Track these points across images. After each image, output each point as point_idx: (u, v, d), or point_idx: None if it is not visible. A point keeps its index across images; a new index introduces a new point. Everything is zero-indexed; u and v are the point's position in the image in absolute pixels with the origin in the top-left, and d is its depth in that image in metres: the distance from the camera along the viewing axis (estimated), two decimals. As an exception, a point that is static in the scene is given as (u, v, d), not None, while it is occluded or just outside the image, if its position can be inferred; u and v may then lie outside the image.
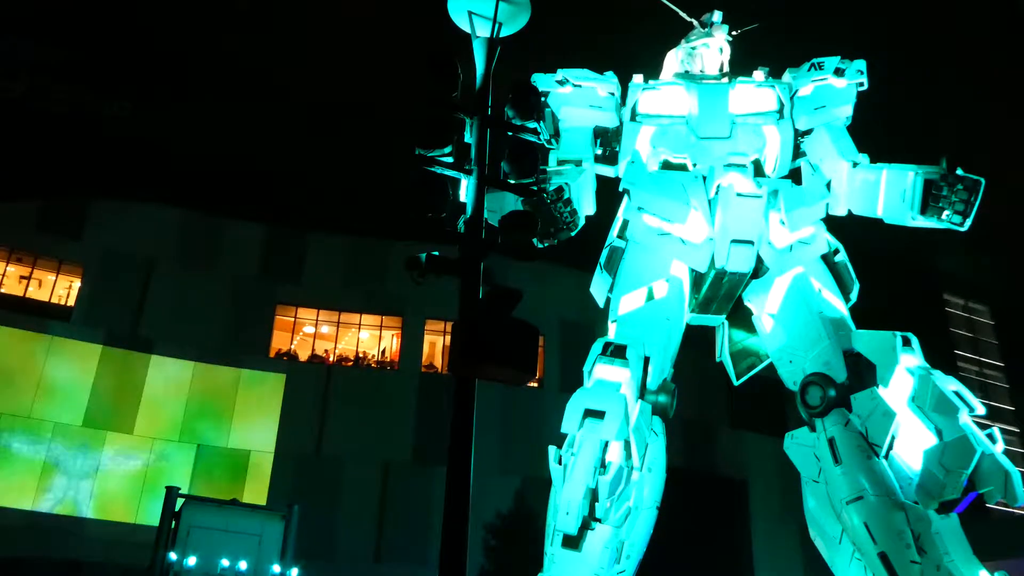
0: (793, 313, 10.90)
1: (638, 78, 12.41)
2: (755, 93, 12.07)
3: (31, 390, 35.60)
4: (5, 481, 33.91)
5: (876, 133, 12.55)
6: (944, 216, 10.81)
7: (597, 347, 10.18)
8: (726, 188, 10.85)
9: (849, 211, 11.79)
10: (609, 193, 12.19)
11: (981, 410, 9.43)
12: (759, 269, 11.05)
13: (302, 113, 46.04)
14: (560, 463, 9.44)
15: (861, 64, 12.00)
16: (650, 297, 10.98)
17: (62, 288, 39.19)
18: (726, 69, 12.68)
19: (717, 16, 12.80)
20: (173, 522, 21.05)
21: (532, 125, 9.52)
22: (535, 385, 39.81)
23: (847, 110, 12.03)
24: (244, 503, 29.39)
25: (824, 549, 10.26)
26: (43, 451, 35.05)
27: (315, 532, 30.71)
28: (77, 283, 38.92)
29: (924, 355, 10.09)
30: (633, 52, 13.57)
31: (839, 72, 11.94)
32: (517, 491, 35.05)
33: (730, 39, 12.79)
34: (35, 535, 32.34)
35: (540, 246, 11.41)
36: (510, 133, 9.40)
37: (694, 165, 11.72)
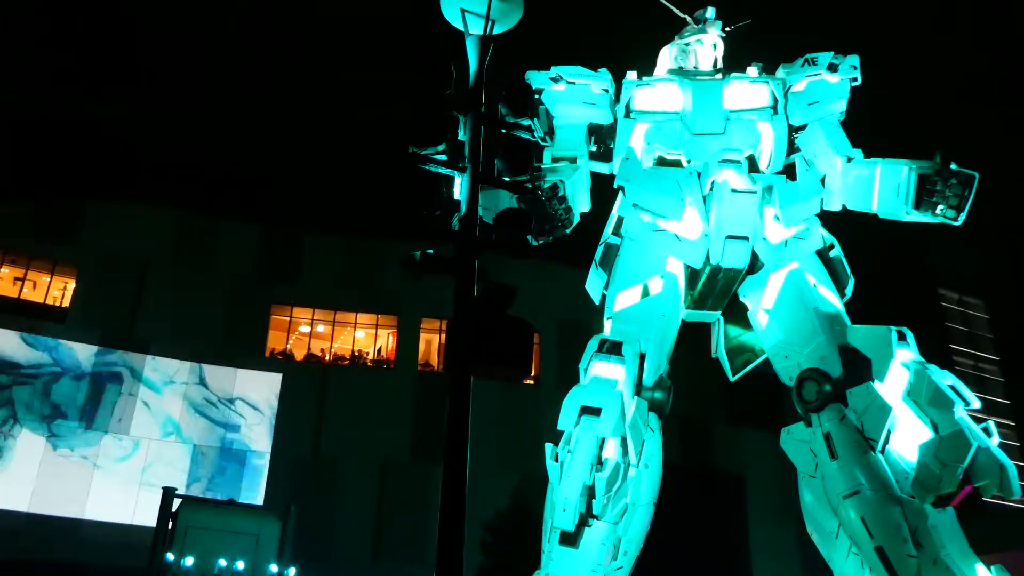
0: (788, 309, 10.91)
1: (632, 75, 12.39)
2: (749, 89, 12.06)
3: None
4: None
5: (870, 128, 12.56)
6: (938, 211, 10.83)
7: (593, 344, 10.19)
8: (721, 184, 10.85)
9: (843, 206, 11.81)
10: (604, 190, 12.19)
11: (976, 404, 9.45)
12: (754, 265, 11.05)
13: (297, 113, 45.98)
14: (557, 460, 9.45)
15: (854, 59, 12.00)
16: (645, 293, 10.99)
17: (56, 289, 39.11)
18: (720, 65, 12.67)
19: (710, 12, 12.79)
20: (170, 522, 21.04)
21: (526, 122, 9.51)
22: (531, 382, 39.85)
23: (841, 105, 12.02)
24: (241, 503, 29.43)
25: (821, 544, 10.27)
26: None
27: (312, 531, 30.71)
28: (72, 284, 38.84)
29: (919, 349, 10.10)
30: (627, 49, 13.57)
31: (832, 67, 11.92)
32: (514, 489, 35.05)
33: (723, 35, 12.78)
34: (34, 537, 32.30)
35: (535, 243, 11.42)
36: (504, 131, 9.39)
37: (688, 161, 11.72)
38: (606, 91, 12.29)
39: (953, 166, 10.75)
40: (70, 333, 37.08)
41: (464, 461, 7.61)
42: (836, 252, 11.47)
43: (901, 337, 10.02)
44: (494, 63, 9.60)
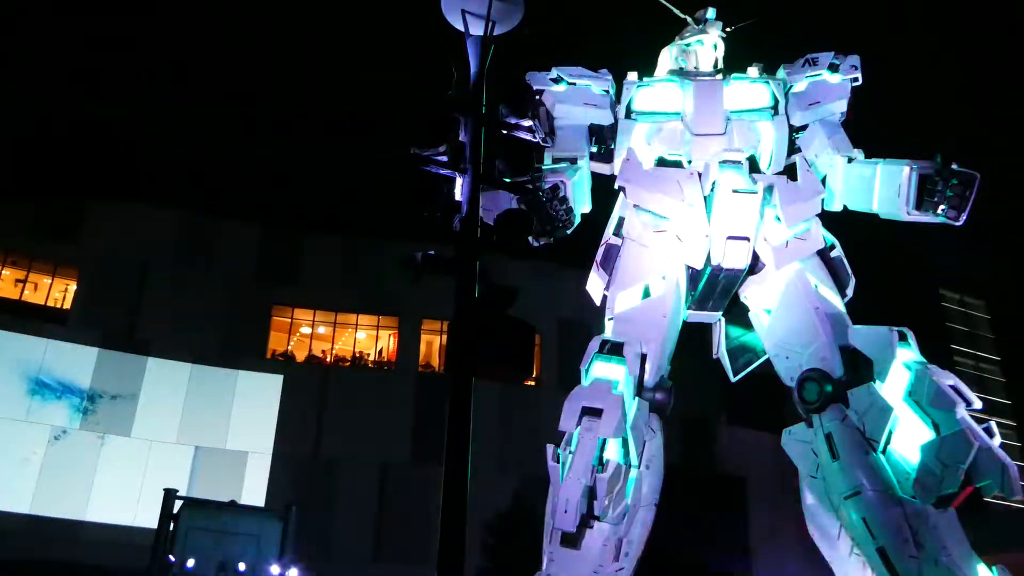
0: (789, 309, 10.90)
1: (633, 75, 12.40)
2: (749, 89, 12.07)
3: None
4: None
5: (871, 128, 12.56)
6: (939, 211, 10.81)
7: (594, 345, 10.18)
8: (722, 185, 10.85)
9: (844, 206, 11.80)
10: (605, 191, 12.19)
11: (978, 404, 9.43)
12: (755, 265, 11.05)
13: (298, 114, 45.97)
14: (558, 461, 9.44)
15: (855, 59, 12.02)
16: (646, 294, 10.99)
17: (58, 291, 39.13)
18: (720, 66, 12.68)
19: (711, 13, 12.80)
20: (171, 524, 21.05)
21: (527, 123, 9.51)
22: (532, 383, 39.85)
23: (841, 105, 12.03)
24: (242, 504, 29.41)
25: (822, 545, 10.26)
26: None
27: (313, 533, 30.71)
28: (73, 286, 38.85)
29: (921, 350, 10.09)
30: (627, 49, 13.57)
31: (833, 68, 11.95)
32: (515, 490, 35.08)
33: (724, 36, 12.79)
34: (33, 538, 32.31)
35: (536, 245, 11.41)
36: (505, 132, 9.39)
37: (689, 162, 11.73)
38: (607, 92, 12.31)
39: (954, 166, 10.75)
40: (71, 335, 37.10)
41: (465, 462, 7.61)
42: (837, 253, 11.46)
43: (902, 338, 10.00)
44: (495, 64, 9.61)
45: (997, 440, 9.22)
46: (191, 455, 37.29)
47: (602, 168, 12.46)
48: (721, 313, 11.94)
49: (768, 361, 11.46)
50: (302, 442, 38.32)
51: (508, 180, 9.30)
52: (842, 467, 9.64)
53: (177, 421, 37.58)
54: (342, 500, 36.82)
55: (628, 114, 12.15)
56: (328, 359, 42.29)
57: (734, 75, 12.27)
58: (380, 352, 43.11)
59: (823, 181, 11.67)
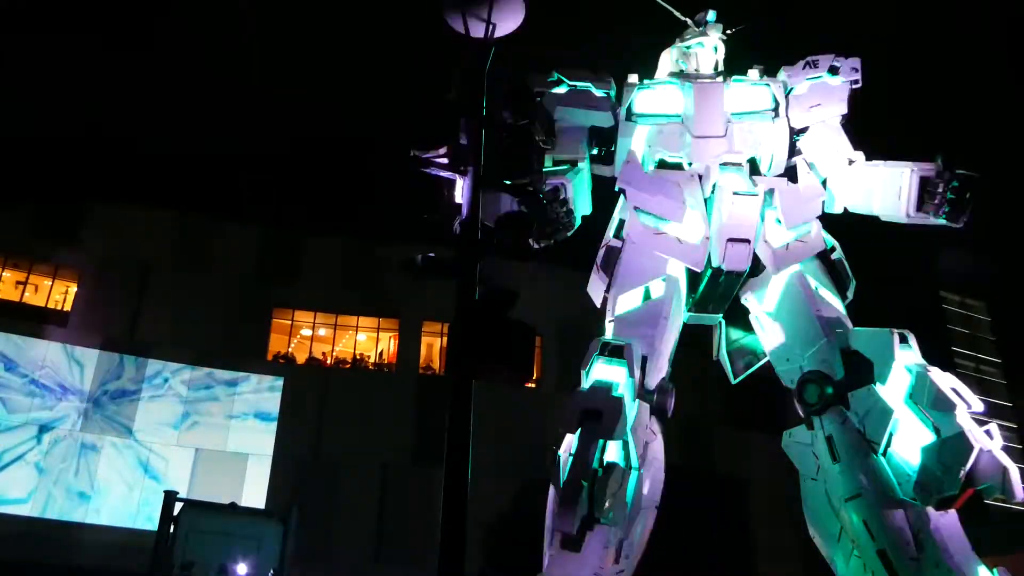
0: (790, 311, 10.91)
1: (633, 78, 12.44)
2: (750, 92, 12.10)
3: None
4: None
5: (872, 130, 12.57)
6: (940, 213, 10.83)
7: (594, 347, 10.18)
8: (722, 187, 10.87)
9: (845, 208, 11.81)
10: (605, 193, 12.20)
11: (979, 406, 9.43)
12: (756, 268, 11.05)
13: (298, 115, 45.96)
14: (558, 463, 9.44)
15: (856, 62, 12.04)
16: (647, 297, 10.99)
17: (58, 293, 39.14)
18: (721, 68, 12.70)
19: (711, 15, 12.82)
20: (172, 526, 21.03)
21: (527, 125, 9.52)
22: (533, 386, 39.81)
23: (842, 108, 12.06)
24: (243, 506, 29.40)
25: (823, 547, 10.26)
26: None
27: (314, 534, 30.69)
28: (73, 288, 38.85)
29: (921, 352, 10.09)
30: (628, 51, 13.59)
31: (834, 70, 11.98)
32: (515, 491, 35.02)
33: (724, 38, 12.80)
34: (33, 540, 32.27)
35: (536, 247, 11.42)
36: (505, 134, 9.40)
37: (690, 164, 11.75)
38: (607, 94, 12.33)
39: (955, 168, 10.76)
40: (72, 337, 37.10)
41: (465, 464, 7.62)
42: (838, 255, 11.48)
43: (903, 340, 10.01)
44: (495, 66, 9.62)
45: (998, 442, 9.22)
46: (191, 457, 37.27)
47: (603, 170, 12.48)
48: (721, 315, 11.95)
49: (768, 363, 11.47)
50: (303, 444, 38.28)
51: (508, 182, 9.31)
52: (843, 469, 9.65)
53: (177, 423, 37.57)
54: (343, 502, 36.77)
55: (629, 116, 12.18)
56: (329, 361, 42.27)
57: (734, 77, 12.30)
58: (381, 354, 43.09)
59: (823, 183, 11.69)
